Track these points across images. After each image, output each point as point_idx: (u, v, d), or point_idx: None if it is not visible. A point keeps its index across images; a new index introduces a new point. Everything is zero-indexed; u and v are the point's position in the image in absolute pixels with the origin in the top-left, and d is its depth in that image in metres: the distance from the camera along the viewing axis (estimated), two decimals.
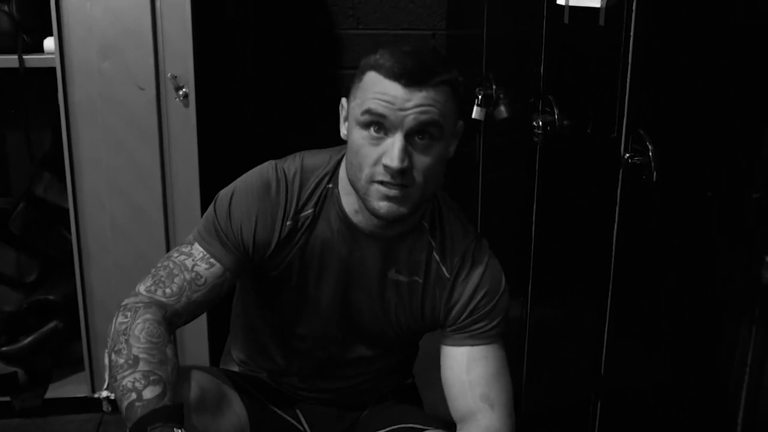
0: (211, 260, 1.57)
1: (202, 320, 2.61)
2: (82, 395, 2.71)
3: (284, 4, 3.29)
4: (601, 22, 1.60)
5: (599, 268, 1.64)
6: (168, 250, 2.52)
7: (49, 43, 2.50)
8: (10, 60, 2.46)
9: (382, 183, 1.45)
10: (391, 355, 1.80)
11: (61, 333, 2.71)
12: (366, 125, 1.45)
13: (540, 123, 1.91)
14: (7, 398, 2.70)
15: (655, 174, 1.36)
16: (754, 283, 1.08)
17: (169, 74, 2.42)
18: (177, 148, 2.49)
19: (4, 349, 2.68)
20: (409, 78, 1.42)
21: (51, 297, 2.71)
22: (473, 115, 2.50)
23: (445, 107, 1.46)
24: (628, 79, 1.50)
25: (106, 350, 1.46)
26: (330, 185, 1.61)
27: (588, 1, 1.66)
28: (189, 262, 1.56)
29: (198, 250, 1.58)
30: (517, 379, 2.25)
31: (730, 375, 1.16)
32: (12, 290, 2.77)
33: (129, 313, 1.48)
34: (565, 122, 1.86)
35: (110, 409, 1.47)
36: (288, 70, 3.23)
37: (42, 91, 2.54)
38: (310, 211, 1.60)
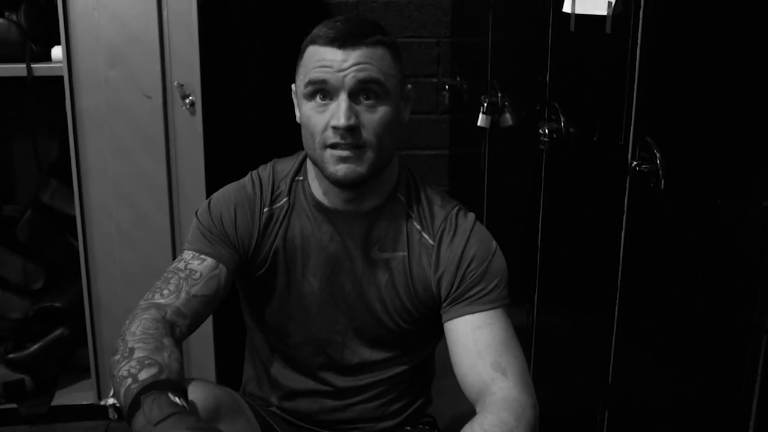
0: (201, 256, 1.58)
1: (209, 336, 2.61)
2: (89, 402, 2.72)
3: (290, 11, 3.30)
4: (608, 30, 1.61)
5: (606, 276, 1.64)
6: (174, 257, 2.52)
7: (57, 52, 2.51)
8: (18, 69, 2.48)
9: (334, 147, 1.49)
10: (398, 358, 1.72)
11: (68, 340, 2.72)
12: (311, 95, 1.50)
13: (546, 131, 1.91)
14: (14, 405, 2.71)
15: (662, 182, 1.36)
16: (765, 291, 1.08)
17: (175, 82, 2.43)
18: (183, 156, 2.50)
19: (10, 356, 2.69)
20: (343, 40, 1.47)
21: (57, 304, 2.72)
22: (478, 123, 2.51)
23: (383, 65, 1.50)
24: (635, 87, 1.51)
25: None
26: (300, 177, 1.65)
27: (594, 9, 1.67)
28: (181, 264, 1.57)
29: (187, 254, 1.60)
30: None
31: (740, 384, 1.16)
32: (18, 297, 2.79)
33: (128, 321, 1.46)
34: (571, 130, 1.86)
35: (116, 416, 1.45)
36: (294, 76, 3.23)
37: (49, 99, 2.55)
38: (284, 200, 1.64)
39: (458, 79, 3.21)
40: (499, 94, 2.44)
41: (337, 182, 1.52)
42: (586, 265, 1.84)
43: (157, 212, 2.53)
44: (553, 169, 2.02)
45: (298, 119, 1.59)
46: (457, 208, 1.65)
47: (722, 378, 1.23)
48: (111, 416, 1.48)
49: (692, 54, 1.32)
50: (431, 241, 1.62)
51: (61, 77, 2.43)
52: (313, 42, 1.51)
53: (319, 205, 1.62)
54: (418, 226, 1.63)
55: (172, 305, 1.50)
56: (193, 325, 1.56)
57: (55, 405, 2.75)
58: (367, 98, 1.49)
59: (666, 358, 1.45)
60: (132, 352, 1.36)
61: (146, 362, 1.33)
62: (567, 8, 1.81)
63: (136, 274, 2.57)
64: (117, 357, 1.37)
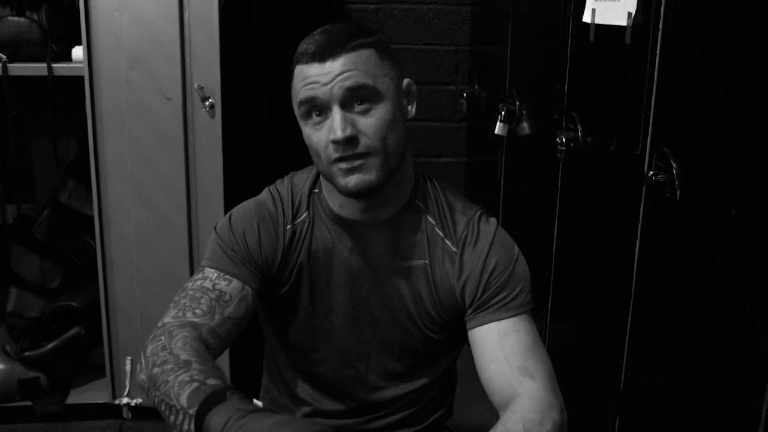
0: (227, 277, 1.54)
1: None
2: (103, 401, 2.72)
3: (310, 17, 3.32)
4: (627, 40, 1.61)
5: (620, 285, 1.64)
6: (191, 259, 2.53)
7: (78, 52, 2.53)
8: (38, 68, 2.50)
9: (338, 160, 1.45)
10: (423, 369, 1.70)
11: (83, 339, 2.73)
12: (307, 115, 1.48)
13: (563, 140, 1.91)
14: (29, 403, 2.73)
15: (678, 192, 1.37)
16: None
17: (195, 85, 2.44)
18: (202, 158, 2.51)
19: (26, 354, 2.70)
20: (322, 53, 1.44)
21: (74, 303, 2.73)
22: (496, 131, 2.51)
23: (369, 68, 1.46)
24: (653, 97, 1.51)
25: (141, 374, 1.38)
26: (316, 190, 1.63)
27: (614, 19, 1.67)
28: (207, 284, 1.53)
29: (210, 271, 1.55)
30: None
31: (750, 394, 1.16)
32: (35, 296, 2.80)
33: (163, 337, 1.41)
34: (588, 139, 1.86)
35: (130, 415, 1.43)
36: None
37: (69, 99, 2.57)
38: (304, 215, 1.61)
39: (476, 87, 3.21)
40: (517, 103, 2.45)
41: (350, 194, 1.49)
42: (601, 273, 1.84)
43: (175, 214, 2.55)
44: (569, 178, 2.02)
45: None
46: (479, 213, 1.62)
47: (733, 387, 1.23)
48: (125, 415, 1.46)
49: (710, 65, 1.32)
50: (454, 248, 1.59)
51: (82, 77, 2.44)
52: (298, 61, 1.48)
53: (337, 218, 1.60)
54: (440, 233, 1.60)
55: (207, 326, 1.47)
56: (224, 347, 1.53)
57: (70, 403, 2.76)
58: (360, 103, 1.45)
59: (678, 367, 1.44)
60: (189, 364, 1.32)
61: (210, 374, 1.29)
62: (587, 18, 1.81)
63: (152, 276, 2.58)
64: (168, 366, 1.32)
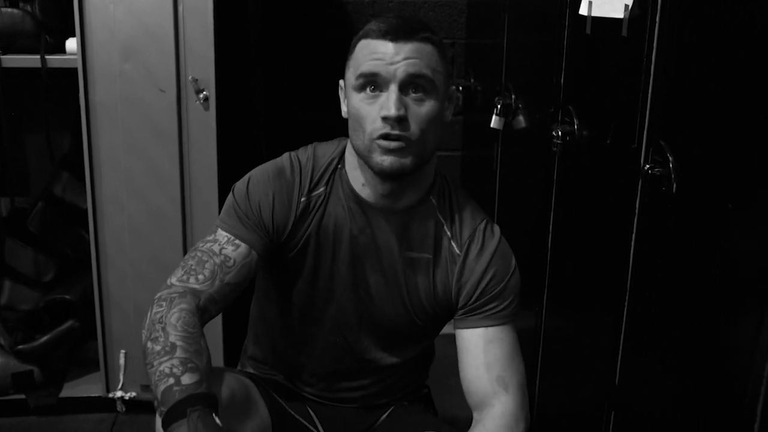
0: (236, 241, 1.61)
1: (217, 322, 2.61)
2: (97, 395, 2.72)
3: (305, 10, 3.30)
4: (624, 32, 1.60)
5: (616, 278, 1.64)
6: (185, 252, 2.52)
7: (72, 44, 2.52)
8: (32, 60, 2.49)
9: (382, 138, 1.52)
10: (407, 348, 1.80)
11: (77, 332, 2.73)
12: (362, 87, 1.55)
13: (559, 133, 1.91)
14: (23, 396, 2.72)
15: (674, 185, 1.36)
16: None
17: (189, 77, 2.43)
18: (196, 150, 2.50)
19: (20, 347, 2.70)
20: (395, 34, 1.52)
21: (67, 296, 2.72)
22: (492, 125, 2.50)
23: (431, 62, 1.54)
24: (649, 90, 1.50)
25: (143, 340, 1.47)
26: (339, 165, 1.69)
27: (611, 11, 1.66)
28: (216, 247, 1.61)
29: (222, 234, 1.63)
30: (531, 388, 2.24)
31: (746, 387, 1.15)
32: (29, 289, 2.79)
33: (164, 303, 1.50)
34: (584, 133, 1.86)
35: (124, 409, 1.46)
36: (309, 75, 3.25)
37: (63, 91, 2.55)
38: (321, 189, 1.67)
39: (472, 80, 3.20)
40: (513, 96, 2.44)
41: (382, 172, 1.56)
42: (596, 267, 1.83)
43: (169, 207, 2.54)
44: (565, 172, 2.02)
45: (344, 114, 1.64)
46: (485, 221, 1.70)
47: (729, 381, 1.23)
48: (119, 409, 1.48)
49: (708, 58, 1.32)
50: (458, 251, 1.68)
51: (76, 69, 2.43)
52: (366, 36, 1.55)
53: (355, 197, 1.66)
54: (448, 233, 1.69)
55: (207, 292, 1.55)
56: (221, 309, 1.62)
57: (64, 397, 2.76)
58: (415, 91, 1.53)
59: (673, 361, 1.44)
60: (174, 349, 1.41)
61: (189, 365, 1.38)
62: (583, 11, 1.81)
63: (146, 269, 2.57)
64: (157, 348, 1.41)
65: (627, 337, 1.63)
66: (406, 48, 1.51)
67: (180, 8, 2.40)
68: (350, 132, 1.60)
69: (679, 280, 1.41)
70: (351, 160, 1.66)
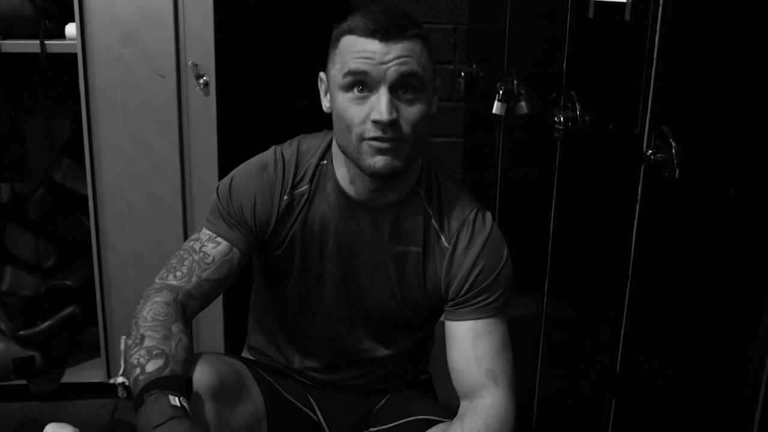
0: (217, 239, 1.63)
1: (218, 312, 2.61)
2: (98, 381, 2.73)
3: None
4: (627, 17, 1.59)
5: (617, 265, 1.63)
6: (185, 238, 2.53)
7: (71, 29, 2.51)
8: (31, 45, 2.48)
9: (373, 139, 1.49)
10: (402, 345, 1.81)
11: (78, 318, 2.74)
12: (349, 87, 1.50)
13: (561, 119, 1.90)
14: (24, 381, 2.73)
15: (677, 171, 1.35)
16: None
17: (190, 62, 2.42)
18: (196, 136, 2.50)
19: (21, 332, 2.70)
20: (384, 32, 1.47)
21: (68, 282, 2.73)
22: (494, 110, 2.49)
23: (421, 59, 1.51)
24: (652, 75, 1.49)
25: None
26: (324, 161, 1.67)
27: None
28: (197, 245, 1.62)
29: (205, 233, 1.65)
30: (532, 376, 2.24)
31: (747, 377, 1.15)
32: (30, 275, 2.80)
33: (142, 301, 1.54)
34: (586, 118, 1.84)
35: (125, 395, 1.48)
36: (307, 60, 3.23)
37: (63, 77, 2.55)
38: (306, 186, 1.65)
39: (474, 66, 3.19)
40: (515, 82, 2.43)
41: (374, 173, 1.53)
42: (598, 254, 1.83)
43: (169, 193, 2.53)
44: (567, 158, 2.01)
45: (325, 108, 1.61)
46: (475, 211, 1.68)
47: (730, 370, 1.22)
48: (120, 395, 1.49)
49: (711, 43, 1.30)
50: (447, 244, 1.66)
51: (75, 55, 2.42)
52: (351, 32, 1.51)
53: (341, 193, 1.64)
54: (436, 226, 1.66)
55: (184, 288, 1.57)
56: (204, 305, 1.63)
57: (65, 382, 2.77)
58: (405, 92, 1.50)
59: (675, 349, 1.44)
60: (143, 340, 1.44)
61: (154, 352, 1.40)
62: None
63: (146, 254, 2.57)
64: (130, 342, 1.45)
65: (628, 325, 1.62)
66: (397, 47, 1.47)
67: None
68: (336, 131, 1.57)
69: (681, 267, 1.40)
70: (338, 156, 1.63)
